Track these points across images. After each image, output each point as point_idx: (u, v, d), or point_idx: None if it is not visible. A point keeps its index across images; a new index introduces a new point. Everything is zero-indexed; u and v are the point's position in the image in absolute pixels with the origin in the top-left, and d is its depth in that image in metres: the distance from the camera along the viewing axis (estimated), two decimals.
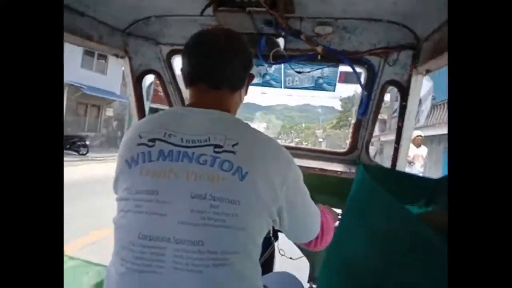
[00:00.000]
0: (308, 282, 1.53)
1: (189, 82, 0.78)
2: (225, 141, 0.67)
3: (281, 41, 1.20)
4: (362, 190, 0.38)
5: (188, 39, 0.77)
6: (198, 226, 0.62)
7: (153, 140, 0.69)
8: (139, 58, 1.46)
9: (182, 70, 0.79)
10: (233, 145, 0.66)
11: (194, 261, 0.62)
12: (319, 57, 1.20)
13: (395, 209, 0.31)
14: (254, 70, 1.14)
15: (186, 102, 0.82)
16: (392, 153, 1.29)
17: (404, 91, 1.20)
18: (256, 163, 0.66)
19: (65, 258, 1.32)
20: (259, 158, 0.67)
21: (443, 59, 0.93)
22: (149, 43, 1.41)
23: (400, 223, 0.31)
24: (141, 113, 1.59)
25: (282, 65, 1.35)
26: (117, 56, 1.42)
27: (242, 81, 0.80)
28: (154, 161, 0.67)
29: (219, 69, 0.75)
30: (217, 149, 0.66)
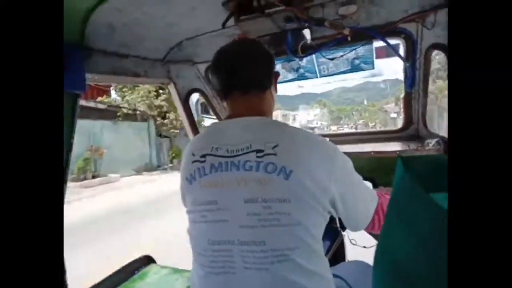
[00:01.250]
0: None
1: (223, 95, 0.86)
2: (265, 144, 0.71)
3: (306, 32, 1.20)
4: (402, 188, 0.37)
5: (213, 57, 0.84)
6: (256, 227, 0.68)
7: (204, 156, 0.76)
8: (181, 81, 1.59)
9: (215, 88, 0.87)
10: (273, 147, 0.70)
11: (260, 259, 0.67)
12: (349, 38, 1.17)
13: (434, 210, 0.30)
14: (286, 66, 1.16)
15: None
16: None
17: None
18: (298, 160, 0.69)
19: (157, 268, 1.51)
20: (301, 155, 0.70)
21: None
22: (187, 65, 1.54)
23: (442, 226, 0.30)
24: (194, 129, 1.73)
25: (314, 56, 1.34)
26: (163, 84, 1.58)
27: (268, 80, 0.85)
28: (208, 174, 0.74)
29: (244, 73, 0.81)
30: (259, 154, 0.70)
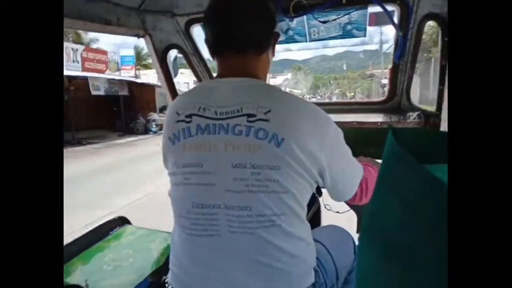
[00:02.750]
0: (357, 233, 1.57)
1: (214, 51, 0.78)
2: (257, 109, 0.67)
3: None
4: (392, 158, 0.36)
5: (206, 7, 0.75)
6: (243, 193, 0.67)
7: (189, 116, 0.72)
8: (159, 34, 1.45)
9: (205, 41, 0.79)
10: (266, 113, 0.67)
11: (245, 224, 0.67)
12: (344, 1, 1.09)
13: (425, 178, 0.29)
14: (276, 27, 1.08)
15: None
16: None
17: (446, 25, 1.06)
18: (291, 128, 0.66)
19: (133, 228, 1.49)
20: (294, 123, 0.67)
21: None
22: (165, 17, 1.39)
23: (431, 193, 0.29)
24: (171, 89, 1.62)
25: (305, 17, 1.25)
26: (138, 36, 1.43)
27: (267, 42, 0.78)
28: (193, 136, 0.70)
29: (242, 32, 0.73)
30: (250, 119, 0.67)
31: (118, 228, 1.49)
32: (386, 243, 0.36)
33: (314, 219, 1.50)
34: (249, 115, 0.67)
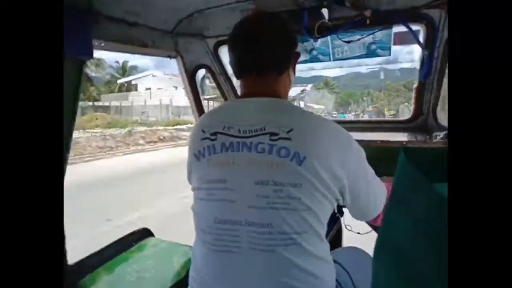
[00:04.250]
0: None
1: (237, 74, 0.82)
2: (280, 128, 0.69)
3: (325, 12, 1.14)
4: (404, 177, 0.36)
5: (230, 33, 0.80)
6: (265, 209, 0.67)
7: (214, 134, 0.74)
8: (189, 55, 1.54)
9: (230, 63, 0.83)
10: (288, 132, 0.68)
11: (266, 241, 0.67)
12: (368, 21, 1.12)
13: (437, 199, 0.29)
14: (300, 47, 1.12)
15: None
16: None
17: None
18: (313, 147, 0.67)
19: (156, 241, 1.52)
20: (316, 141, 0.68)
21: None
22: (196, 39, 1.48)
23: (444, 214, 0.29)
24: (198, 107, 1.69)
25: (329, 37, 1.29)
26: (170, 57, 1.53)
27: (287, 62, 0.81)
28: (218, 153, 0.73)
29: (262, 54, 0.77)
30: (273, 137, 0.69)
31: (141, 240, 1.52)
32: (399, 259, 0.35)
33: (335, 240, 1.46)
34: (272, 134, 0.69)
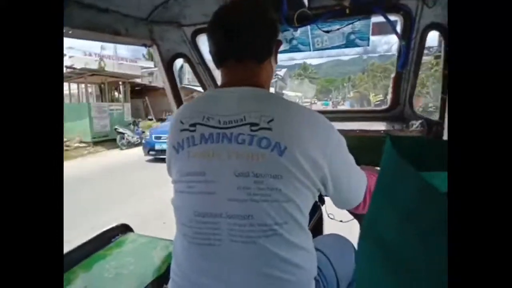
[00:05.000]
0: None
1: (217, 62, 0.80)
2: (261, 118, 0.68)
3: (304, 0, 1.13)
4: (390, 166, 0.36)
5: (209, 20, 0.77)
6: (246, 201, 0.66)
7: (193, 125, 0.72)
8: (166, 44, 1.48)
9: (210, 52, 0.80)
10: (269, 122, 0.67)
11: (247, 233, 0.67)
12: (347, 11, 1.11)
13: (422, 186, 0.29)
14: (280, 36, 1.10)
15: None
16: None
17: (447, 34, 1.07)
18: (294, 137, 0.67)
19: (134, 236, 1.49)
20: (296, 131, 0.67)
21: None
22: (172, 27, 1.42)
23: (427, 201, 0.29)
24: (176, 97, 1.64)
25: (308, 27, 1.27)
26: (145, 45, 1.46)
27: (268, 49, 0.79)
28: (197, 144, 0.71)
29: (242, 41, 0.74)
30: (253, 127, 0.67)
31: (120, 236, 1.48)
32: (384, 250, 0.35)
33: (316, 228, 1.49)
34: (252, 124, 0.68)
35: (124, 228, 1.52)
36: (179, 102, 1.63)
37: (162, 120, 14.71)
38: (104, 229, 1.48)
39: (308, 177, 0.68)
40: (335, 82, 61.73)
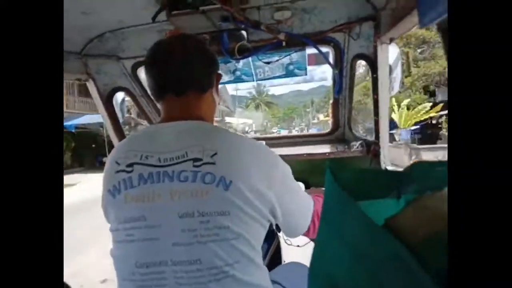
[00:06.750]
0: None
1: (157, 96, 0.76)
2: (203, 152, 0.65)
3: (244, 33, 1.19)
4: (333, 198, 0.35)
5: (146, 54, 0.75)
6: (192, 245, 0.61)
7: (130, 165, 0.67)
8: (103, 78, 1.41)
9: (148, 86, 0.77)
10: (212, 156, 0.64)
11: (196, 279, 0.61)
12: (283, 43, 1.19)
13: (363, 220, 0.28)
14: (222, 68, 1.12)
15: None
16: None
17: (372, 63, 1.20)
18: (239, 170, 0.65)
19: None
20: (241, 164, 0.65)
21: (404, 26, 0.94)
22: (110, 61, 1.37)
23: (371, 236, 0.28)
24: (118, 132, 1.55)
25: (250, 58, 1.33)
26: (80, 80, 1.37)
27: (208, 81, 0.78)
28: (136, 186, 0.65)
29: (181, 74, 0.73)
30: (196, 163, 0.64)
31: None
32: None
33: (275, 257, 1.46)
34: (195, 160, 0.64)
35: None
36: (121, 136, 1.54)
37: None
38: None
39: (257, 209, 0.65)
40: (297, 109, 61.70)
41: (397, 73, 1.28)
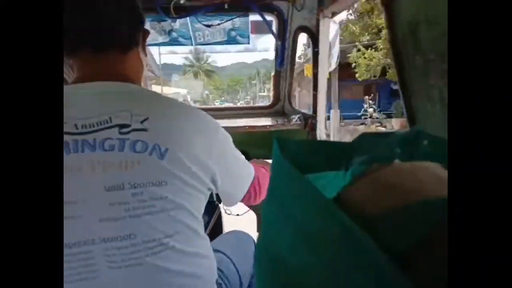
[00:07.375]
0: (258, 231, 1.61)
1: (69, 50, 0.63)
2: (131, 118, 0.57)
3: None
4: (279, 172, 0.33)
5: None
6: (124, 219, 0.55)
7: None
8: None
9: None
10: (142, 121, 0.57)
11: (130, 255, 0.56)
12: (225, 6, 1.11)
13: (311, 194, 0.26)
14: (156, 26, 1.00)
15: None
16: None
17: (314, 37, 1.21)
18: (175, 136, 0.59)
19: None
20: (178, 130, 0.60)
21: (346, 1, 0.95)
22: None
23: (318, 211, 0.27)
24: None
25: (188, 19, 1.21)
26: None
27: (133, 37, 0.67)
28: None
29: (102, 26, 0.62)
30: (123, 130, 0.56)
31: None
32: (276, 271, 0.32)
33: (216, 227, 1.47)
34: (122, 126, 0.56)
35: None
36: None
37: None
38: None
39: (197, 178, 0.62)
40: (242, 81, 57.21)
41: (335, 50, 1.31)
